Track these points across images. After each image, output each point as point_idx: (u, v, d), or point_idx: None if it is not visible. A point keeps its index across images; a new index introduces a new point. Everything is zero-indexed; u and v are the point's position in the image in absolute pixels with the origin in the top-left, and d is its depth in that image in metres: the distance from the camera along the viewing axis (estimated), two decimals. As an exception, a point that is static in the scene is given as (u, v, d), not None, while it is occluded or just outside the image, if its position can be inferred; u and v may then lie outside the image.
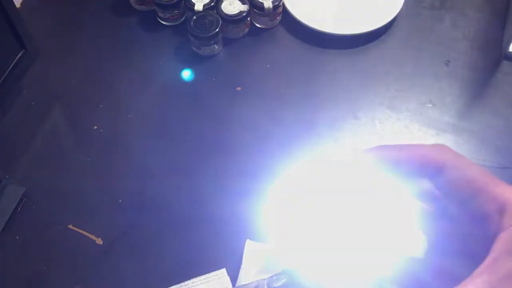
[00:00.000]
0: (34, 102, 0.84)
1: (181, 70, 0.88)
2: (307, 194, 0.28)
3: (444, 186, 0.27)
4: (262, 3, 0.88)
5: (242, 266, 0.68)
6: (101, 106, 0.84)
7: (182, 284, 0.67)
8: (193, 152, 0.80)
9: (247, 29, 0.92)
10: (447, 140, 0.81)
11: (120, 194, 0.76)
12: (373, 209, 0.28)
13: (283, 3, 0.91)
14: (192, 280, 0.67)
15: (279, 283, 0.57)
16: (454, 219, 0.29)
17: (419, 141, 0.80)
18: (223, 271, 0.68)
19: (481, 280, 0.23)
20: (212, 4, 0.88)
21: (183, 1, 0.90)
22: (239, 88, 0.86)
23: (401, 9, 0.92)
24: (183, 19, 0.93)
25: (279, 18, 0.92)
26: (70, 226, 0.73)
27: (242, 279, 0.67)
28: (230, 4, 0.88)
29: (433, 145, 0.27)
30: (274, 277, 0.58)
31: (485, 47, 0.90)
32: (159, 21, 0.93)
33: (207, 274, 0.67)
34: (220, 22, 0.86)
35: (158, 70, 0.89)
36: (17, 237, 0.72)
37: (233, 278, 0.67)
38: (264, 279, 0.58)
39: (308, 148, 0.79)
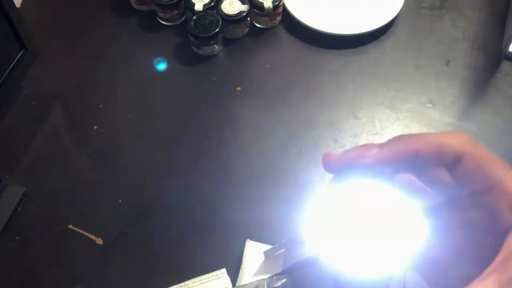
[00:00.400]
0: (34, 102, 0.84)
1: (181, 69, 0.89)
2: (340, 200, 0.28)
3: (459, 176, 0.26)
4: (262, 3, 0.88)
5: (242, 266, 0.68)
6: (101, 106, 0.84)
7: (182, 284, 0.67)
8: (193, 152, 0.80)
9: (247, 29, 0.92)
10: (447, 140, 0.81)
11: (120, 194, 0.76)
12: (385, 207, 0.28)
13: (283, 3, 0.91)
14: (192, 280, 0.67)
15: (279, 283, 0.57)
16: (464, 209, 0.28)
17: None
18: (223, 271, 0.68)
19: (492, 280, 0.23)
20: (212, 4, 0.88)
21: (183, 1, 0.90)
22: (239, 88, 0.86)
23: (401, 9, 0.92)
24: (183, 19, 0.93)
25: (279, 18, 0.92)
26: (70, 226, 0.73)
27: (242, 279, 0.67)
28: (230, 4, 0.88)
29: (452, 133, 0.26)
30: (274, 277, 0.58)
31: (485, 47, 0.90)
32: (159, 21, 0.93)
33: (207, 274, 0.67)
34: (220, 22, 0.86)
35: (158, 70, 0.89)
36: (17, 237, 0.72)
37: (233, 278, 0.67)
38: (264, 279, 0.58)
39: (308, 148, 0.79)
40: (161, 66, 0.88)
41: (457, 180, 0.26)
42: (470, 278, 0.24)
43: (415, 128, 0.82)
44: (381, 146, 0.27)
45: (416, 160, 0.26)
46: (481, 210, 0.26)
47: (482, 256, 0.25)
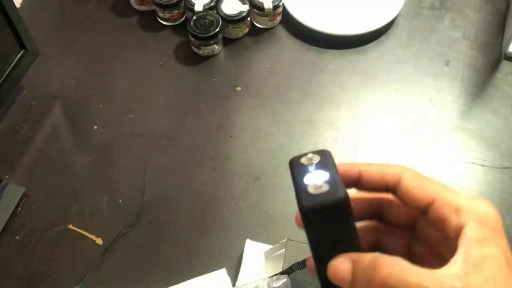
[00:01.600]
0: (34, 102, 0.84)
1: (181, 69, 0.89)
2: None
3: (403, 196, 0.30)
4: (262, 3, 0.88)
5: (242, 266, 0.68)
6: (101, 106, 0.84)
7: (182, 284, 0.67)
8: (193, 152, 0.80)
9: (247, 29, 0.92)
10: (447, 140, 0.81)
11: (120, 194, 0.76)
12: None
13: (283, 3, 0.91)
14: (192, 280, 0.67)
15: (279, 283, 0.57)
16: (419, 229, 0.32)
17: (419, 141, 0.80)
18: (223, 271, 0.68)
19: (458, 266, 0.26)
20: (212, 4, 0.88)
21: (183, 1, 0.90)
22: (239, 88, 0.86)
23: (401, 9, 0.92)
24: (183, 19, 0.93)
25: (279, 18, 0.92)
26: (70, 226, 0.73)
27: (242, 279, 0.67)
28: (230, 4, 0.88)
29: (393, 164, 0.31)
30: (274, 277, 0.58)
31: (485, 47, 0.90)
32: (159, 21, 0.93)
33: (207, 274, 0.67)
34: (220, 22, 0.86)
35: (158, 70, 0.89)
36: (17, 237, 0.72)
37: (233, 278, 0.67)
38: (264, 279, 0.58)
39: (308, 148, 0.79)
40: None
41: (403, 200, 0.30)
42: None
43: (415, 128, 0.82)
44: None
45: (360, 179, 0.31)
46: (431, 223, 0.29)
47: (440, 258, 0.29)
